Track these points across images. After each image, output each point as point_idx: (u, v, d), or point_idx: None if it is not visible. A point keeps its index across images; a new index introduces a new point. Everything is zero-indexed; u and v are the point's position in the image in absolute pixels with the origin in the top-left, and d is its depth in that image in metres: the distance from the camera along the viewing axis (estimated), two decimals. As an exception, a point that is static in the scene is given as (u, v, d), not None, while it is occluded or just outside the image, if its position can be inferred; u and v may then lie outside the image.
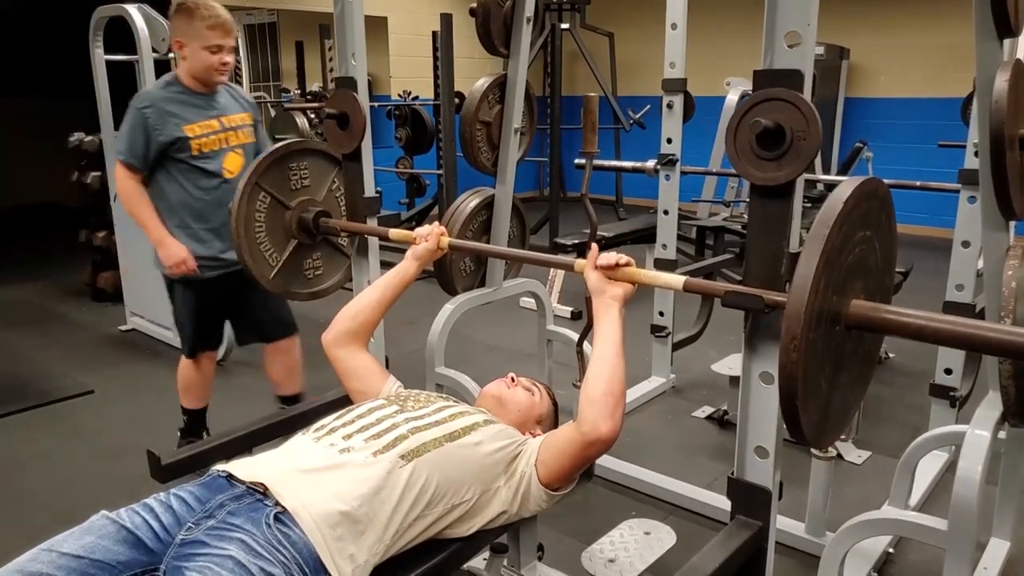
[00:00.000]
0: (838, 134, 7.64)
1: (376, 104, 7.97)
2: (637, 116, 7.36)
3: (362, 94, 2.04)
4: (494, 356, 4.24)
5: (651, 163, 3.59)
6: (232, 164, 2.75)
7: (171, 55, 4.38)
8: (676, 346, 3.68)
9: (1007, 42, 1.81)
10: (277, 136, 7.47)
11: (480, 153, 2.67)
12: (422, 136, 6.98)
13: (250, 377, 4.01)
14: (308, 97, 7.94)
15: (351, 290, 2.19)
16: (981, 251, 2.79)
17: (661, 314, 3.60)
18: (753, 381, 1.50)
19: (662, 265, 3.50)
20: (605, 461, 2.82)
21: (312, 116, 7.00)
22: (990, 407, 1.92)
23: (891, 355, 4.08)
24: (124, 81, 4.47)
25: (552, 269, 4.69)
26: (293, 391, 3.11)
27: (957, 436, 2.30)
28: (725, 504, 2.56)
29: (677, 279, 1.52)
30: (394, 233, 2.00)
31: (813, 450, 2.21)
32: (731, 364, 3.25)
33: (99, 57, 4.34)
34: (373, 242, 2.17)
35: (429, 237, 1.89)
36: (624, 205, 8.48)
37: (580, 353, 2.77)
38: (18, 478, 2.98)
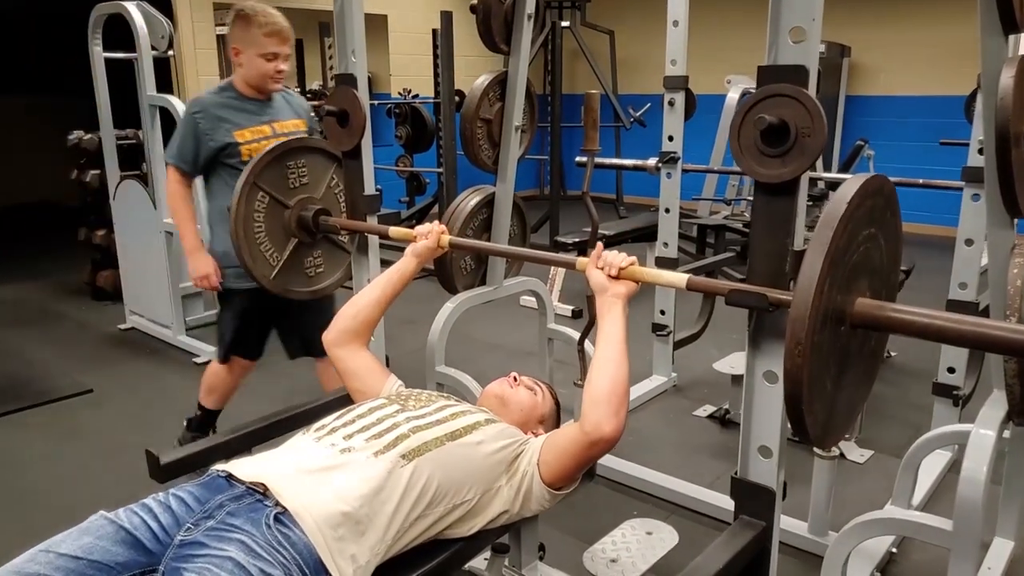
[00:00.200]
0: (839, 132, 7.62)
1: (376, 102, 7.95)
2: (638, 114, 7.35)
3: (362, 91, 2.02)
4: (495, 355, 4.23)
5: (652, 161, 3.57)
6: None
7: (170, 53, 4.38)
8: (677, 345, 3.67)
9: (1012, 38, 1.79)
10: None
11: (481, 151, 2.66)
12: (422, 134, 6.96)
13: (250, 376, 3.98)
14: (308, 95, 7.93)
15: (351, 288, 2.18)
16: (985, 249, 2.79)
17: (662, 312, 3.59)
18: (757, 380, 1.49)
19: (664, 263, 3.49)
20: (606, 460, 2.81)
21: (312, 114, 6.96)
22: (994, 406, 1.91)
23: (893, 354, 4.06)
24: (124, 79, 4.46)
25: (553, 267, 4.68)
26: None
27: (960, 435, 2.29)
28: (727, 503, 2.56)
29: (680, 277, 1.50)
30: (394, 231, 1.99)
31: (816, 449, 2.20)
32: (733, 363, 3.24)
33: (98, 55, 4.32)
34: (373, 240, 2.15)
35: (429, 235, 1.88)
36: (624, 203, 8.46)
37: (581, 352, 2.76)
38: (17, 477, 2.97)
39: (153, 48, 4.11)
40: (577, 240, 4.49)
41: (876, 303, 1.27)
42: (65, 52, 8.17)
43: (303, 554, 1.25)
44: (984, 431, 1.83)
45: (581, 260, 1.63)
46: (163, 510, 1.31)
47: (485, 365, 3.89)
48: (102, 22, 4.29)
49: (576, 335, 2.86)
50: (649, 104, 7.33)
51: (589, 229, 3.02)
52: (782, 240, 1.37)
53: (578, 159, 3.85)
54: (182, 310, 4.38)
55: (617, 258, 1.56)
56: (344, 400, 1.96)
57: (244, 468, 1.39)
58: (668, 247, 3.51)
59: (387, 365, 2.33)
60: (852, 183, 1.21)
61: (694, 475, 2.82)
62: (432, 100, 6.95)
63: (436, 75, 6.70)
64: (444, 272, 2.70)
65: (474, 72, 2.45)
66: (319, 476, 1.36)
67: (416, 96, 7.28)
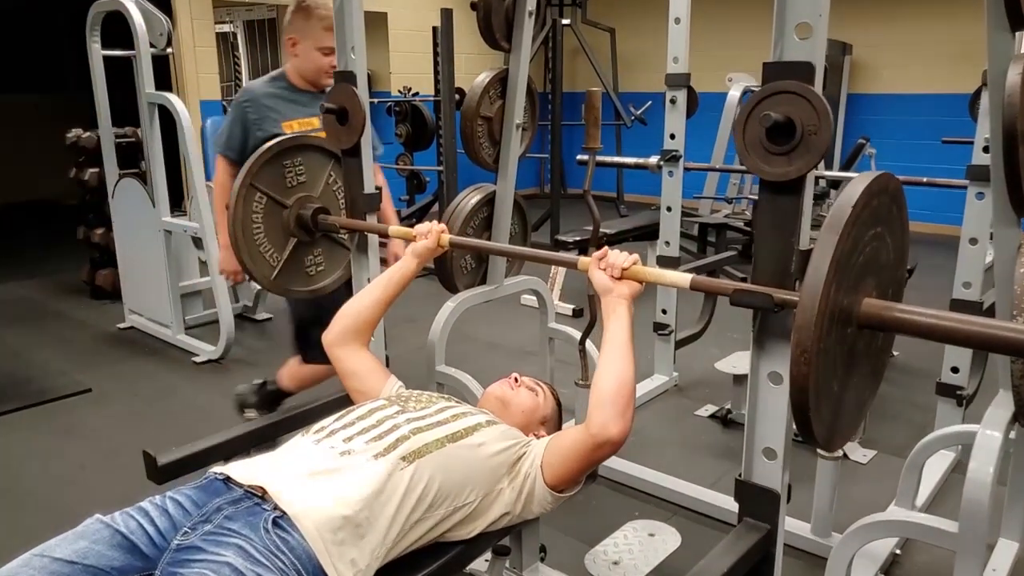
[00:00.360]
0: (840, 130, 7.60)
1: (376, 100, 7.92)
2: (638, 112, 7.33)
3: (362, 88, 2.01)
4: (495, 354, 4.21)
5: (654, 159, 3.55)
6: None
7: (169, 50, 4.36)
8: (679, 344, 3.65)
9: (1020, 35, 1.77)
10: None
11: (481, 149, 2.64)
12: (422, 132, 6.94)
13: (249, 376, 3.97)
14: (308, 93, 7.90)
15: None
16: (989, 248, 2.77)
17: (664, 312, 3.57)
18: (761, 381, 1.47)
19: (665, 262, 3.47)
20: (608, 460, 2.78)
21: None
22: (1000, 407, 1.89)
23: (896, 353, 4.04)
24: (124, 77, 4.44)
25: (553, 266, 4.66)
26: None
27: (965, 436, 2.27)
28: (729, 504, 2.55)
29: (684, 277, 1.48)
30: (393, 230, 1.97)
31: (819, 450, 2.18)
32: (735, 362, 3.22)
33: (96, 52, 4.30)
34: (373, 239, 2.13)
35: (429, 235, 1.86)
36: (625, 201, 8.45)
37: (583, 351, 2.74)
38: (14, 478, 2.95)
39: (152, 46, 4.09)
40: (578, 239, 4.47)
41: (883, 303, 1.25)
42: (64, 49, 8.17)
43: (302, 559, 1.23)
44: (990, 432, 1.81)
45: (583, 260, 1.61)
46: (159, 514, 1.29)
47: (486, 364, 3.87)
48: (100, 19, 4.26)
49: (577, 334, 2.84)
50: (650, 102, 7.31)
51: (590, 228, 3.01)
52: (787, 239, 1.35)
53: (579, 157, 3.83)
54: (181, 309, 4.36)
55: (619, 258, 1.54)
56: (344, 401, 1.94)
57: (242, 471, 1.37)
58: (670, 246, 3.49)
59: (387, 365, 2.32)
60: (859, 182, 1.19)
61: (696, 475, 2.80)
62: (432, 98, 6.92)
63: (436, 73, 6.67)
64: (444, 271, 2.68)
65: (474, 70, 2.44)
66: (318, 479, 1.34)
67: (416, 94, 7.26)
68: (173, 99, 4.03)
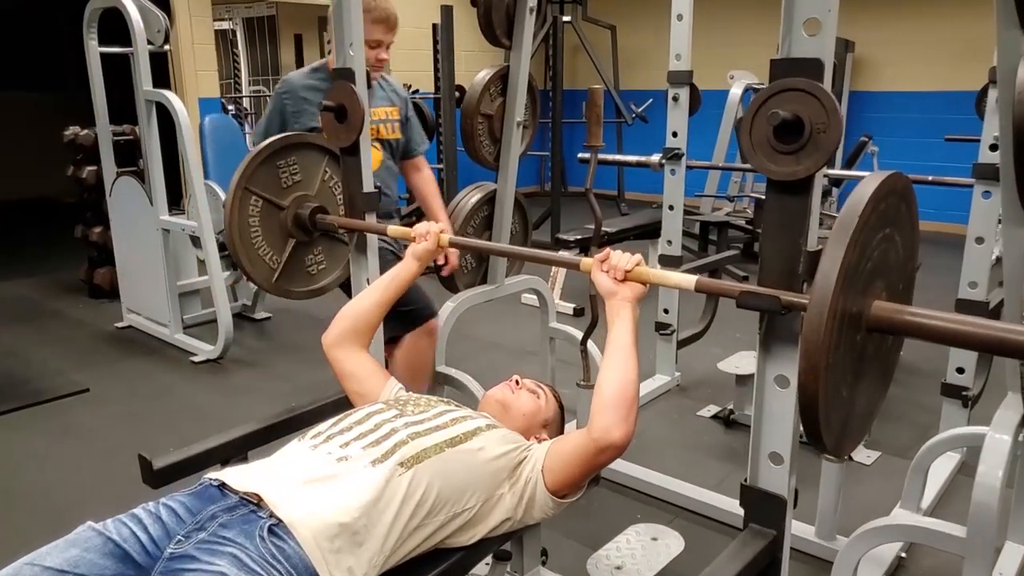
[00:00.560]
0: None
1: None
2: (639, 110, 7.31)
3: (360, 86, 1.98)
4: (496, 354, 4.18)
5: (656, 157, 3.52)
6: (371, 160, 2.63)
7: (166, 47, 4.32)
8: (681, 344, 3.62)
9: (1029, 32, 1.74)
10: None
11: (482, 147, 2.61)
12: (422, 130, 6.90)
13: (248, 376, 3.95)
14: (307, 91, 7.87)
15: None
16: (995, 247, 2.74)
17: (666, 311, 3.54)
18: (768, 384, 1.44)
19: (667, 261, 3.44)
20: (609, 462, 2.76)
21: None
22: (1009, 409, 1.86)
23: (900, 353, 4.01)
24: (122, 74, 4.40)
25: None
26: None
27: (971, 438, 2.25)
28: (732, 506, 2.53)
29: (688, 279, 1.46)
30: (392, 230, 1.94)
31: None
32: (737, 363, 3.20)
33: (93, 49, 4.27)
34: (372, 239, 2.11)
35: (428, 235, 1.83)
36: (626, 200, 8.42)
37: (584, 352, 2.71)
38: (10, 479, 2.92)
39: (149, 43, 4.05)
40: (579, 237, 4.44)
41: (894, 306, 1.22)
42: (64, 47, 8.14)
43: (298, 568, 1.20)
44: (999, 436, 1.78)
45: (585, 261, 1.58)
46: (153, 521, 1.26)
47: (486, 364, 3.84)
48: (97, 16, 4.23)
49: (578, 334, 2.81)
50: (651, 99, 7.30)
51: (591, 226, 2.99)
52: (795, 240, 1.32)
53: (581, 155, 3.80)
54: (179, 308, 4.33)
55: (622, 260, 1.51)
56: (342, 403, 1.92)
57: (237, 477, 1.34)
58: (672, 245, 3.46)
59: (387, 367, 2.30)
60: (870, 182, 1.16)
61: (698, 477, 2.77)
62: (432, 95, 6.89)
63: (436, 70, 6.64)
64: (444, 271, 2.65)
65: (475, 67, 2.42)
66: (315, 486, 1.31)
67: (416, 91, 7.21)
68: (171, 97, 3.99)
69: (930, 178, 3.17)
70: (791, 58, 1.27)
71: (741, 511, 1.52)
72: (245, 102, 9.02)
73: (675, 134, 3.36)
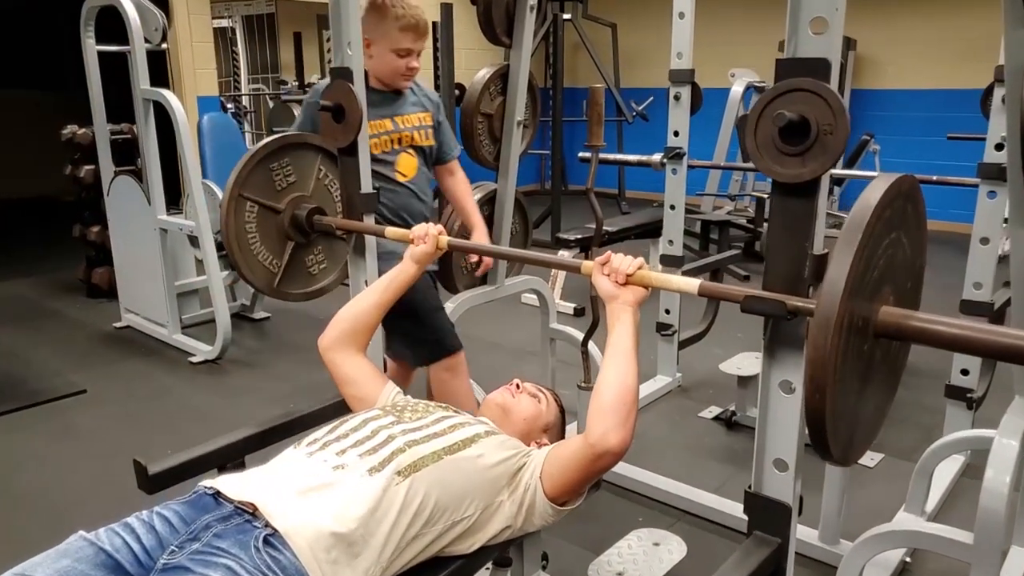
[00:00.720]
0: (844, 126, 7.54)
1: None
2: (640, 108, 7.27)
3: (358, 85, 1.95)
4: (496, 354, 4.15)
5: (657, 156, 3.49)
6: (405, 166, 2.49)
7: (164, 46, 4.30)
8: (682, 344, 3.59)
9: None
10: (274, 129, 7.39)
11: (481, 147, 2.59)
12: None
13: (247, 377, 3.93)
14: (306, 89, 7.85)
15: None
16: (1000, 245, 2.71)
17: (667, 312, 3.52)
18: (772, 390, 1.42)
19: (668, 261, 3.42)
20: (610, 464, 2.74)
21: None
22: (1016, 414, 1.84)
23: (907, 358, 3.99)
24: (121, 73, 4.37)
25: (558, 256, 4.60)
26: None
27: (976, 441, 2.22)
28: (735, 510, 2.51)
29: (692, 284, 1.43)
30: (390, 232, 1.91)
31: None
32: (739, 364, 3.17)
33: (90, 47, 4.24)
34: (371, 240, 2.08)
35: (427, 238, 1.80)
36: (626, 198, 8.39)
37: (585, 353, 2.69)
38: (7, 481, 2.90)
39: (147, 41, 4.03)
40: (580, 237, 4.41)
41: (902, 312, 1.19)
42: (65, 46, 8.11)
43: (294, 579, 1.18)
44: (1007, 441, 1.76)
45: (586, 264, 1.56)
46: (146, 530, 1.24)
47: (486, 365, 3.82)
48: (95, 14, 4.21)
49: (579, 335, 2.79)
50: (652, 98, 7.27)
51: (592, 225, 2.96)
52: (801, 243, 1.30)
53: (582, 155, 3.78)
54: (177, 308, 4.30)
55: (624, 263, 1.48)
56: (341, 407, 1.89)
57: (232, 485, 1.32)
58: (673, 245, 3.44)
59: (385, 369, 2.27)
60: (879, 184, 1.13)
61: (700, 480, 2.75)
62: (432, 94, 6.85)
63: (436, 68, 6.61)
64: (445, 271, 2.63)
65: (475, 65, 2.37)
66: (311, 495, 1.29)
67: (416, 90, 7.18)
68: (168, 95, 3.97)
69: (935, 178, 3.14)
70: (797, 58, 1.25)
71: (743, 515, 1.49)
72: (244, 100, 9.00)
73: (677, 133, 3.33)
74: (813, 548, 2.34)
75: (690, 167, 3.43)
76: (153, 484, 1.69)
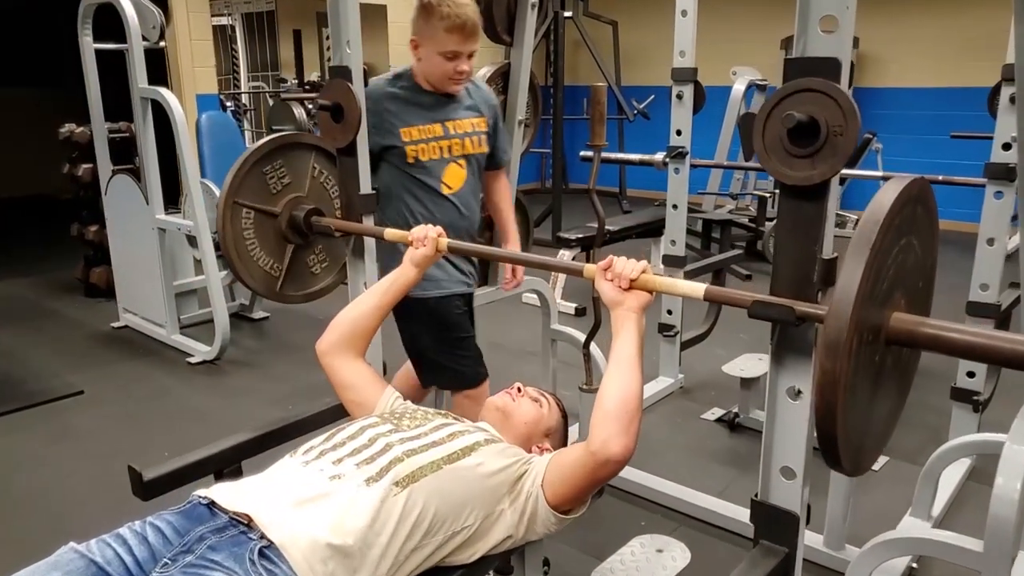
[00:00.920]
0: (846, 125, 7.50)
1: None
2: (641, 106, 7.24)
3: (357, 84, 1.92)
4: (497, 354, 4.10)
5: (659, 156, 3.46)
6: (453, 178, 2.33)
7: (161, 44, 4.26)
8: (684, 345, 3.57)
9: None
10: (274, 127, 7.35)
11: (482, 146, 2.55)
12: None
13: (246, 377, 3.90)
14: (306, 87, 7.81)
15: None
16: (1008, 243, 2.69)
17: (669, 312, 3.49)
18: (780, 396, 1.39)
19: (671, 262, 3.39)
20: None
21: (310, 106, 6.87)
22: (1027, 419, 1.80)
23: (918, 364, 3.96)
24: (119, 71, 4.34)
25: (558, 256, 4.57)
26: None
27: (983, 445, 2.20)
28: (738, 514, 2.48)
29: (697, 288, 1.40)
30: (389, 233, 1.88)
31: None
32: (742, 365, 3.14)
33: (88, 45, 4.21)
34: (370, 242, 2.05)
35: (426, 241, 1.76)
36: (628, 197, 8.36)
37: (587, 355, 2.66)
38: (5, 483, 2.87)
39: (145, 39, 3.99)
40: (581, 236, 4.38)
41: (914, 318, 1.17)
42: (61, 42, 8.06)
43: (289, 592, 1.15)
44: (1018, 446, 1.72)
45: (588, 268, 1.53)
46: (139, 542, 1.21)
47: (487, 365, 3.78)
48: (92, 12, 4.17)
49: (580, 336, 2.77)
50: (653, 96, 7.23)
51: (594, 224, 2.93)
52: (810, 247, 1.27)
53: (583, 154, 3.75)
54: (176, 308, 4.27)
55: (627, 268, 1.45)
56: (339, 410, 1.86)
57: (227, 495, 1.29)
58: (675, 245, 3.40)
59: (384, 372, 2.24)
60: (891, 188, 1.10)
61: (703, 483, 2.72)
62: (432, 92, 6.81)
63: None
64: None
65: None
66: (307, 506, 1.26)
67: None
68: (166, 94, 3.94)
69: (940, 178, 3.10)
70: (806, 57, 1.21)
71: (747, 519, 1.46)
72: (244, 98, 8.96)
73: (679, 132, 3.30)
74: (818, 554, 2.31)
75: (692, 167, 3.40)
76: (148, 491, 1.66)
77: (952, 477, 2.68)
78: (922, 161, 6.93)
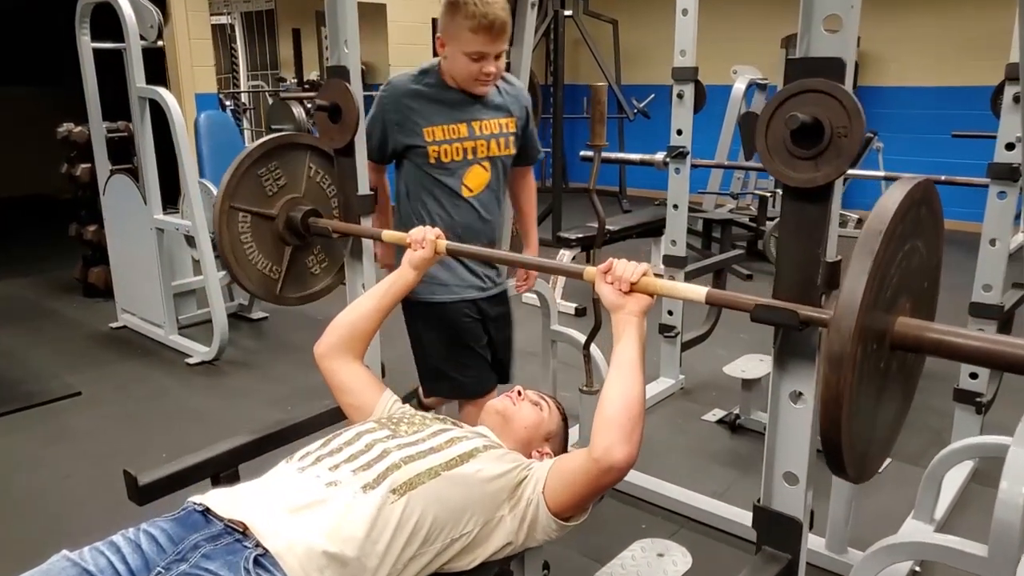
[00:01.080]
0: (847, 124, 7.48)
1: (375, 93, 7.81)
2: (641, 105, 7.22)
3: (355, 84, 1.90)
4: (496, 355, 4.10)
5: (660, 156, 3.44)
6: (475, 180, 2.21)
7: (159, 43, 4.24)
8: (685, 346, 3.55)
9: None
10: (273, 127, 7.33)
11: (482, 146, 2.53)
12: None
13: (244, 378, 3.88)
14: (305, 86, 7.80)
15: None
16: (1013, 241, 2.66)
17: (670, 313, 3.47)
18: (782, 400, 1.37)
19: (672, 262, 3.37)
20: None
21: (309, 105, 6.85)
22: (1032, 422, 1.78)
23: (923, 368, 3.94)
24: (118, 70, 4.32)
25: (558, 256, 4.56)
26: None
27: (986, 448, 2.18)
28: (739, 517, 2.46)
29: (699, 292, 1.38)
30: (387, 235, 1.86)
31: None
32: (744, 366, 3.12)
33: (86, 44, 4.19)
34: (368, 244, 2.03)
35: (425, 243, 1.74)
36: (628, 196, 8.34)
37: (587, 357, 2.65)
38: (1, 485, 2.86)
39: (142, 38, 3.97)
40: (581, 236, 4.36)
41: (919, 323, 1.15)
42: (60, 40, 8.05)
43: (285, 602, 1.13)
44: (1022, 450, 1.71)
45: (589, 271, 1.51)
46: (132, 550, 1.19)
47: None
48: (90, 11, 4.16)
49: (581, 337, 2.75)
50: (653, 95, 7.21)
51: (594, 224, 2.91)
52: (813, 250, 1.25)
53: (583, 154, 3.73)
54: (174, 309, 4.25)
55: (628, 271, 1.43)
56: (336, 413, 1.85)
57: (222, 502, 1.27)
58: (676, 245, 3.39)
59: (383, 373, 2.22)
60: (897, 191, 1.09)
61: (704, 485, 2.70)
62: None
63: (436, 65, 6.54)
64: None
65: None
66: (303, 514, 1.24)
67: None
68: (164, 93, 3.92)
69: (943, 178, 3.09)
70: (810, 57, 1.19)
71: (749, 521, 1.45)
72: (243, 97, 8.94)
73: (680, 132, 3.28)
74: (820, 557, 2.29)
75: (693, 166, 3.38)
76: (143, 495, 1.64)
77: (955, 479, 2.67)
78: (923, 160, 6.91)
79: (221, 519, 1.23)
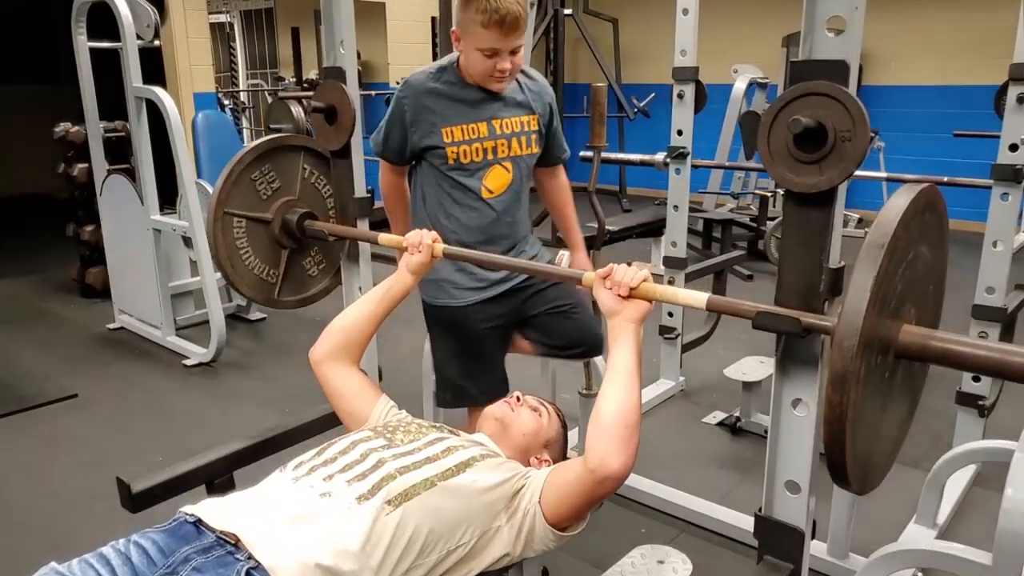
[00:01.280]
0: (847, 123, 7.45)
1: (373, 92, 7.79)
2: (641, 104, 7.19)
3: (351, 85, 1.88)
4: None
5: (660, 156, 3.42)
6: (495, 181, 2.12)
7: (156, 42, 4.21)
8: (685, 347, 3.53)
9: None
10: (272, 126, 7.31)
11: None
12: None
13: (242, 380, 3.86)
14: (304, 85, 7.78)
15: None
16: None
17: (670, 314, 3.45)
18: (784, 408, 1.35)
19: (672, 263, 3.35)
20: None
21: (308, 105, 6.83)
22: (1036, 428, 1.76)
23: (927, 375, 3.91)
24: (117, 70, 4.30)
25: (557, 258, 4.53)
26: None
27: (989, 452, 2.16)
28: (740, 521, 2.44)
29: (699, 298, 1.36)
30: (383, 238, 1.84)
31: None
32: (744, 368, 3.10)
33: (82, 44, 4.17)
34: (365, 247, 2.01)
35: (421, 247, 1.72)
36: (628, 195, 8.31)
37: (587, 360, 2.62)
38: (-4, 489, 2.84)
39: (139, 37, 3.95)
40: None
41: (924, 332, 1.12)
42: (58, 41, 8.02)
43: (278, 616, 1.11)
44: (1027, 457, 1.69)
45: (587, 276, 1.48)
46: (122, 562, 1.16)
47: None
48: (86, 10, 4.13)
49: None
50: (653, 94, 7.18)
51: (594, 224, 2.89)
52: (816, 256, 1.23)
53: (583, 154, 3.70)
54: (171, 310, 4.23)
55: (627, 275, 1.40)
56: (332, 418, 1.82)
57: (215, 513, 1.24)
58: (676, 246, 3.36)
59: (380, 377, 2.20)
60: (902, 196, 1.06)
61: (704, 488, 2.68)
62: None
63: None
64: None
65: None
66: (296, 525, 1.21)
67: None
68: (160, 93, 3.89)
69: (946, 179, 3.06)
70: (813, 60, 1.17)
71: (750, 526, 1.43)
72: (242, 96, 8.92)
73: (680, 132, 3.26)
74: (822, 563, 2.27)
75: (693, 167, 3.35)
76: (137, 503, 1.62)
77: (957, 483, 2.64)
78: (924, 159, 6.88)
79: (213, 530, 1.21)
